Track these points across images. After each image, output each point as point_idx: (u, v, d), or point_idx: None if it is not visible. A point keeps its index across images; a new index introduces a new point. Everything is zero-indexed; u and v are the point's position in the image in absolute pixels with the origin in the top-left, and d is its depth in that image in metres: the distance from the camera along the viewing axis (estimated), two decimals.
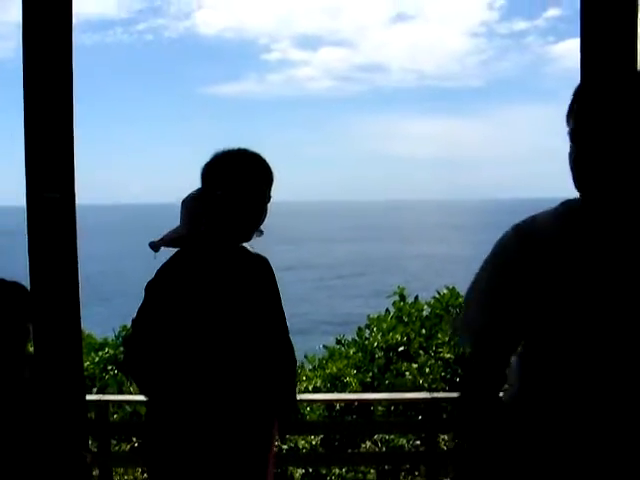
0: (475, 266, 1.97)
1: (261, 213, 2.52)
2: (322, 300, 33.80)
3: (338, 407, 5.69)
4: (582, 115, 1.78)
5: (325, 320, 25.91)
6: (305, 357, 7.17)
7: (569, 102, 1.83)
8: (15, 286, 2.64)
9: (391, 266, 47.76)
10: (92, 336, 7.64)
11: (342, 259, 51.61)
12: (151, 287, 2.49)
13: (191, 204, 2.55)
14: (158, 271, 2.50)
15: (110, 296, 34.10)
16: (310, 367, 6.89)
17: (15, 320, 2.56)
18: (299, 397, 5.40)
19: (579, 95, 1.82)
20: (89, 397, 4.48)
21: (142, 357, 2.49)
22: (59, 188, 3.34)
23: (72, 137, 3.36)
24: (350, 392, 5.93)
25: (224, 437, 2.50)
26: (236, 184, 2.46)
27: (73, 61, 3.33)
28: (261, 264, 2.67)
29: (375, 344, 6.58)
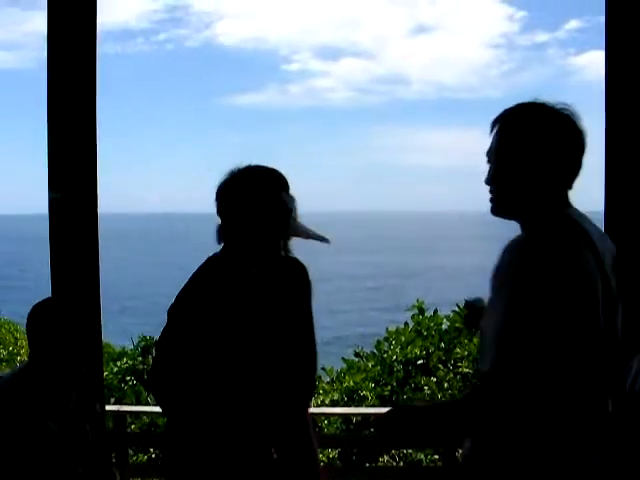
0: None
1: (279, 223, 2.48)
2: (340, 312, 33.71)
3: (355, 421, 5.65)
4: (505, 134, 2.00)
5: (343, 333, 25.84)
6: (323, 369, 7.12)
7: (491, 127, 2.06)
8: (57, 304, 2.87)
9: (410, 277, 47.60)
10: (110, 345, 7.66)
11: (361, 270, 51.50)
12: (173, 311, 2.46)
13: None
14: (179, 295, 2.48)
15: (129, 305, 34.24)
16: (327, 380, 6.85)
17: (74, 333, 2.76)
18: (317, 410, 5.45)
19: (499, 121, 2.04)
20: (107, 407, 4.47)
21: (168, 383, 2.46)
22: (81, 194, 3.35)
23: (95, 145, 3.40)
24: (367, 406, 5.89)
25: (247, 456, 2.49)
26: (248, 200, 2.44)
27: (97, 70, 3.36)
28: (295, 269, 2.65)
29: (394, 357, 6.54)
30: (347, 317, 33.34)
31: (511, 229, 1.98)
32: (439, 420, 1.87)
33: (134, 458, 5.36)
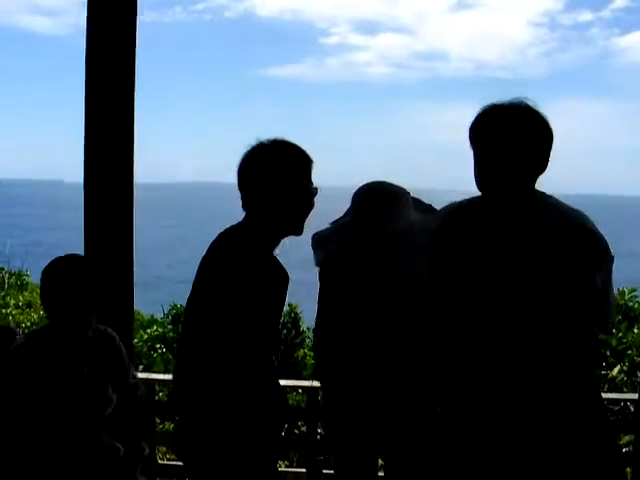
0: None
1: (305, 202, 2.43)
2: None
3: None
4: (482, 130, 2.33)
5: None
6: None
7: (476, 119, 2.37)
8: (83, 261, 2.80)
9: None
10: (140, 313, 7.65)
11: None
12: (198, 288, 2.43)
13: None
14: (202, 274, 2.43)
15: (160, 274, 34.42)
16: None
17: (81, 295, 2.67)
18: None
19: (484, 115, 2.35)
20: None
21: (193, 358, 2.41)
22: (117, 166, 3.33)
23: (132, 120, 3.35)
24: None
25: None
26: (273, 176, 2.38)
27: (137, 42, 3.32)
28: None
29: None
30: None
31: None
32: None
33: (161, 426, 5.38)
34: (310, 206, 2.44)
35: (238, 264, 2.34)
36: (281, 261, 2.46)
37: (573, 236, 2.25)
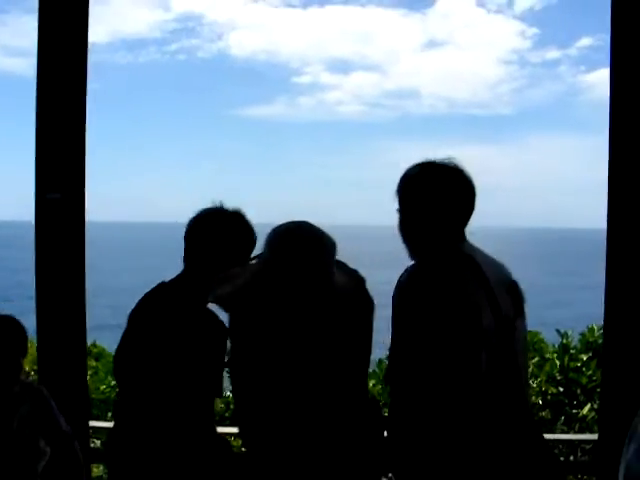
0: None
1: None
2: None
3: None
4: (407, 194, 2.43)
5: None
6: None
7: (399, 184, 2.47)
8: (9, 321, 2.81)
9: None
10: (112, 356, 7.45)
11: (380, 287, 51.07)
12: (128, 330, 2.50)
13: None
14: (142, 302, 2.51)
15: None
16: None
17: (7, 354, 2.72)
18: None
19: (407, 179, 2.46)
20: (101, 424, 4.35)
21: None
22: (67, 192, 3.27)
23: (84, 142, 3.29)
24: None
25: None
26: (218, 245, 2.46)
27: (87, 75, 3.28)
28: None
29: None
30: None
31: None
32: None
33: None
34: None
35: (175, 315, 2.40)
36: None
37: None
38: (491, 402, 2.20)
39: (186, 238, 2.51)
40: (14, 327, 2.78)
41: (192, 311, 2.42)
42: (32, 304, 3.21)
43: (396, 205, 2.49)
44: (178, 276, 2.51)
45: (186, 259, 2.51)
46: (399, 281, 2.32)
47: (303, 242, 2.31)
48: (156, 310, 2.44)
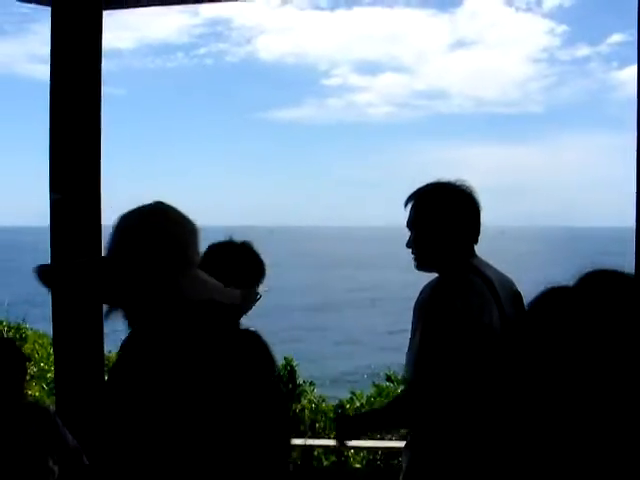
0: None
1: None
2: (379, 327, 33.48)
3: (381, 453, 5.46)
4: (424, 212, 2.60)
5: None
6: (353, 393, 6.97)
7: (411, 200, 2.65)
8: (8, 343, 2.96)
9: None
10: None
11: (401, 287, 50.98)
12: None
13: None
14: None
15: None
16: (357, 404, 6.67)
17: (8, 376, 2.76)
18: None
19: (414, 198, 2.63)
20: None
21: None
22: (82, 195, 3.22)
23: (99, 146, 3.24)
24: (397, 434, 5.69)
25: None
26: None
27: (101, 81, 3.24)
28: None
29: None
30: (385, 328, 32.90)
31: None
32: (378, 419, 2.70)
33: None
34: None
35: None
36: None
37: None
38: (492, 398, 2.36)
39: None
40: (13, 350, 2.85)
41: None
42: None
43: (408, 219, 2.65)
44: None
45: None
46: (425, 293, 2.58)
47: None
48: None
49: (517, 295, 2.62)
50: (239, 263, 2.53)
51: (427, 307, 2.49)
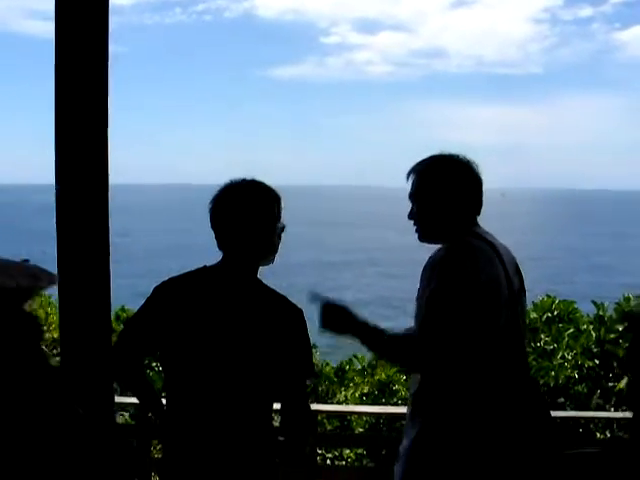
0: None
1: (273, 242, 2.50)
2: (382, 283, 33.45)
3: (384, 419, 5.50)
4: (428, 184, 2.65)
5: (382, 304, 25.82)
6: (355, 357, 6.99)
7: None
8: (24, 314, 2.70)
9: None
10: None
11: (399, 246, 50.83)
12: (158, 291, 2.48)
13: None
14: (171, 279, 2.50)
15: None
16: (358, 367, 6.70)
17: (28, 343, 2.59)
18: (345, 408, 5.32)
19: (415, 171, 2.69)
20: (129, 400, 4.32)
21: (127, 355, 2.50)
22: (90, 168, 3.18)
23: (106, 117, 3.17)
24: (399, 399, 5.75)
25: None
26: (246, 219, 2.43)
27: (109, 38, 3.15)
28: (284, 308, 2.52)
29: None
30: (389, 285, 32.81)
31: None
32: (376, 337, 2.56)
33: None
34: (277, 243, 2.52)
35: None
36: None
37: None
38: (500, 363, 2.55)
39: (214, 219, 2.47)
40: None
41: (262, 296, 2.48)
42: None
43: (410, 191, 2.69)
44: (223, 261, 2.49)
45: (222, 243, 2.48)
46: (432, 259, 2.54)
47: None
48: (220, 295, 2.44)
49: (516, 264, 2.70)
50: (257, 202, 2.46)
51: (438, 266, 2.50)
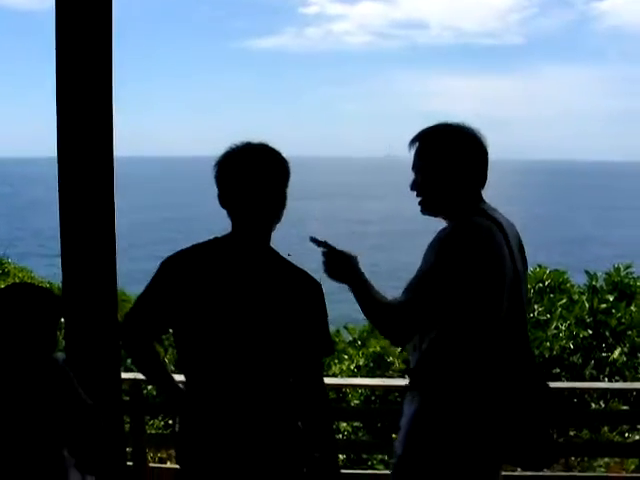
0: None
1: (280, 209, 2.37)
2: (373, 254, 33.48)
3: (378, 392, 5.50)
4: (425, 152, 2.57)
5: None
6: (345, 328, 6.96)
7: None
8: (46, 293, 2.69)
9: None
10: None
11: (383, 214, 50.84)
12: (167, 265, 2.36)
13: None
14: (179, 252, 2.38)
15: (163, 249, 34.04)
16: (350, 339, 6.67)
17: (43, 327, 2.58)
18: (341, 381, 5.30)
19: (418, 140, 2.59)
20: (123, 375, 4.25)
21: (140, 334, 2.41)
22: (94, 140, 3.08)
23: (111, 89, 3.08)
24: (393, 371, 5.73)
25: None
26: (253, 183, 2.30)
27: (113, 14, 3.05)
28: (302, 281, 2.42)
29: None
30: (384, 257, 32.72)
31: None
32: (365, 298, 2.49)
33: (150, 422, 5.23)
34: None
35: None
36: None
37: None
38: (504, 344, 2.50)
39: (221, 181, 2.34)
40: (51, 299, 2.64)
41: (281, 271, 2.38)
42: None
43: (413, 162, 2.60)
44: (234, 231, 2.37)
45: (232, 210, 2.35)
46: (437, 237, 2.46)
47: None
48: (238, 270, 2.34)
49: (520, 241, 2.65)
50: (266, 166, 2.34)
51: (439, 244, 2.44)
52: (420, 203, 2.62)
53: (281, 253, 2.43)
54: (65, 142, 3.08)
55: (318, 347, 2.45)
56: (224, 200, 2.34)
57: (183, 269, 2.33)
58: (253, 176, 2.29)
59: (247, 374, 2.31)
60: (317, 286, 2.41)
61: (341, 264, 2.51)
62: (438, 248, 2.43)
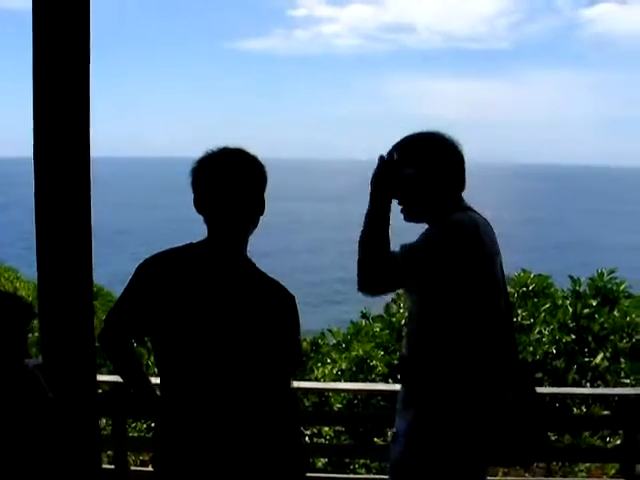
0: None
1: (256, 214, 2.37)
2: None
3: (361, 397, 5.49)
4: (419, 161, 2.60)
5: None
6: (329, 331, 6.96)
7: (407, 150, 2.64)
8: (13, 299, 2.75)
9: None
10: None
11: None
12: (142, 269, 2.35)
13: None
14: (155, 257, 2.36)
15: (137, 251, 34.10)
16: (334, 341, 6.67)
17: (11, 334, 2.63)
18: (324, 385, 5.29)
19: (402, 146, 2.65)
20: (106, 378, 4.23)
21: (119, 336, 2.41)
22: (71, 139, 3.04)
23: (88, 88, 3.04)
24: (376, 375, 5.71)
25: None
26: (228, 188, 2.30)
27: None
28: (276, 293, 2.37)
29: (403, 321, 6.30)
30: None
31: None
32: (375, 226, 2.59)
33: (133, 425, 5.21)
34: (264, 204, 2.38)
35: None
36: None
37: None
38: (490, 342, 2.55)
39: (196, 186, 2.33)
40: (18, 306, 2.69)
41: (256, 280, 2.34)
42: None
43: (401, 170, 2.62)
44: (209, 237, 2.36)
45: (207, 210, 2.34)
46: (426, 238, 2.53)
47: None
48: (210, 275, 2.32)
49: (496, 240, 2.69)
50: (242, 171, 2.34)
51: (426, 254, 2.51)
52: (402, 212, 2.69)
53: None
54: (41, 142, 3.05)
55: (287, 359, 2.38)
56: (200, 205, 2.33)
57: (157, 274, 2.31)
58: (228, 181, 2.28)
59: (219, 380, 2.28)
60: (290, 298, 2.35)
61: (389, 180, 2.59)
62: (431, 253, 2.50)
